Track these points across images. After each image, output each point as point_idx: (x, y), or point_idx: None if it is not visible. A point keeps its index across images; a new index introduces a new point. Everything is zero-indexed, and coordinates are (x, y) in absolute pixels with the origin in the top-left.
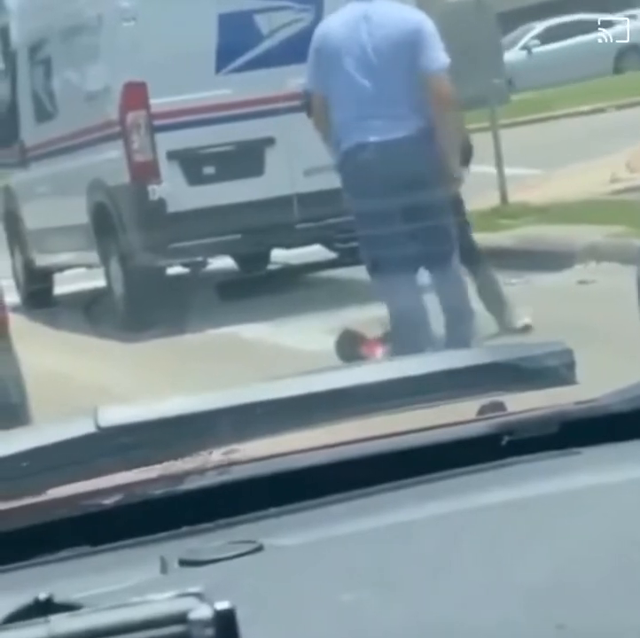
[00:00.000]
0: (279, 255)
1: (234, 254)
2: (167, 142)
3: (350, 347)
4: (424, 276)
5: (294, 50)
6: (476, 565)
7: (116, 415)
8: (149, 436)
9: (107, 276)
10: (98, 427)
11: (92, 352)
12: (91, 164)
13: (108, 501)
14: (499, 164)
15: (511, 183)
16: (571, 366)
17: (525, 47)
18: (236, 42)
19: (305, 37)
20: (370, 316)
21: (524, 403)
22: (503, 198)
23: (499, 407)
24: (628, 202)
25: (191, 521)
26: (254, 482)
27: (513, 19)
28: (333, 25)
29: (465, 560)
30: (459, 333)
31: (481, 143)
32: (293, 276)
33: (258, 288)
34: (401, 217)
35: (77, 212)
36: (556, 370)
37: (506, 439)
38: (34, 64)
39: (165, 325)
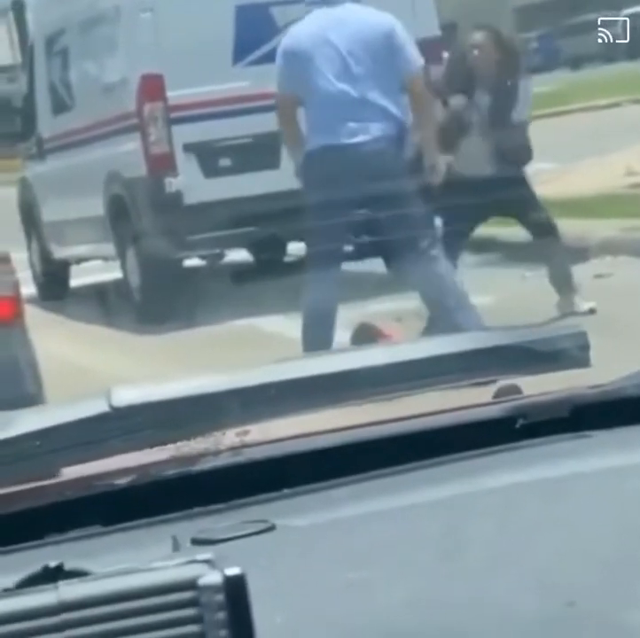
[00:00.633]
0: (295, 248)
1: (250, 246)
2: (184, 134)
3: (366, 341)
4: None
5: None
6: (487, 545)
7: (129, 395)
8: (162, 416)
9: (123, 267)
10: (111, 407)
11: (108, 343)
12: (108, 156)
13: (120, 481)
14: None
15: None
16: (585, 348)
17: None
18: (252, 35)
19: None
20: (387, 310)
21: (536, 387)
22: None
23: (511, 390)
24: None
25: (203, 502)
26: (268, 463)
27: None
28: (305, 28)
29: (476, 540)
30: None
31: None
32: None
33: (274, 280)
34: (372, 212)
35: (94, 204)
36: (570, 353)
37: (519, 422)
38: (51, 56)
39: (181, 317)
